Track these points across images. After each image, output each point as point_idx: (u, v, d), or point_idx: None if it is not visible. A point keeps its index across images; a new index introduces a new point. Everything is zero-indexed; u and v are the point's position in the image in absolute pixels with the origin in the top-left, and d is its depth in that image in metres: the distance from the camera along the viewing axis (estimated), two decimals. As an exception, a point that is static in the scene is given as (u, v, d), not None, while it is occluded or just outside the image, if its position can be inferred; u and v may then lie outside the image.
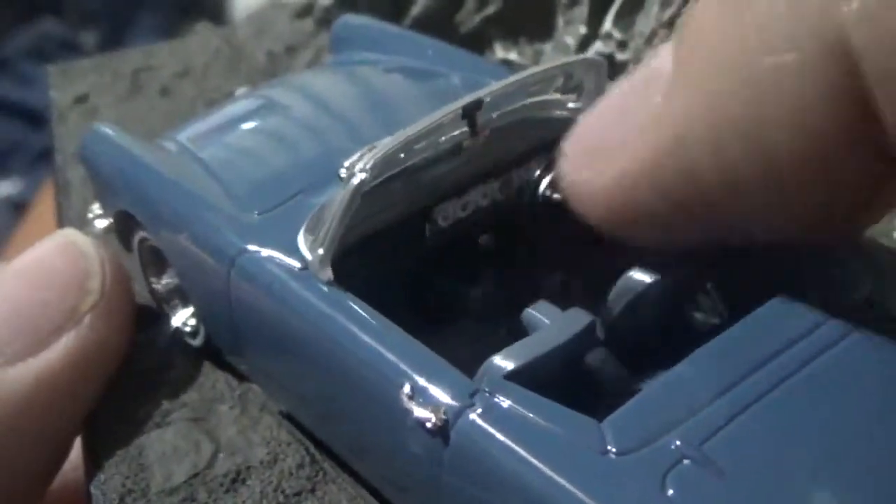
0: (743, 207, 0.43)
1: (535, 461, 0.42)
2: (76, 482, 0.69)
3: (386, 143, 0.52)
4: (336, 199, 0.52)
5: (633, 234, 0.49)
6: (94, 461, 0.62)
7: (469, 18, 0.99)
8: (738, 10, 0.40)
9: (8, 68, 2.07)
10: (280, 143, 0.67)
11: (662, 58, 0.44)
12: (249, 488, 0.59)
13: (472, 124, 0.57)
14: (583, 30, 0.92)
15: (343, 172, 0.53)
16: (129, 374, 0.67)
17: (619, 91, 0.48)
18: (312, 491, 0.58)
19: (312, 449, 0.61)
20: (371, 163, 0.51)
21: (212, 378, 0.67)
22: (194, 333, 0.68)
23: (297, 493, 0.58)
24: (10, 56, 2.10)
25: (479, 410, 0.45)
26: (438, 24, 0.98)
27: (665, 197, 0.44)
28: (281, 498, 0.58)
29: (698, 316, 0.58)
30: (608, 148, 0.46)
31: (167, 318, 0.70)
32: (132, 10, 2.16)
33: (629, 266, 0.52)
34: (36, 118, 1.15)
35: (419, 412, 0.46)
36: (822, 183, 0.41)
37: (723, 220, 0.45)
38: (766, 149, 0.40)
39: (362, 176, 0.51)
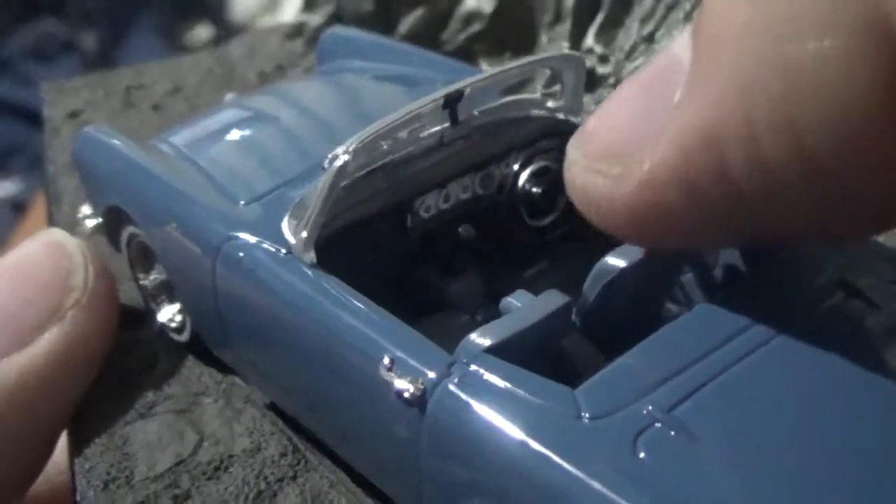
0: (780, 205, 0.40)
1: (509, 427, 0.43)
2: (62, 486, 0.69)
3: (369, 129, 0.54)
4: (319, 184, 0.53)
5: (657, 241, 0.47)
6: (78, 451, 0.63)
7: (455, 36, 1.02)
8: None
9: (8, 68, 2.09)
10: (266, 142, 0.69)
11: (677, 50, 0.42)
12: (232, 475, 0.59)
13: (454, 115, 0.59)
14: (566, 46, 0.94)
15: (326, 163, 0.54)
16: (115, 369, 0.68)
17: (630, 89, 0.44)
18: (294, 478, 0.59)
19: (295, 439, 0.61)
20: (353, 146, 0.53)
21: (196, 372, 0.68)
22: (180, 329, 0.69)
23: (279, 480, 0.59)
24: (10, 56, 2.12)
25: (456, 380, 0.46)
26: (425, 42, 1.00)
27: (695, 200, 0.41)
28: (263, 485, 0.59)
29: (672, 306, 0.59)
30: (627, 152, 0.42)
31: (153, 315, 0.71)
32: (132, 10, 2.18)
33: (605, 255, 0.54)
34: (36, 118, 1.16)
35: (398, 383, 0.47)
36: (866, 175, 0.38)
37: (757, 220, 0.42)
38: (805, 140, 0.37)
39: (345, 157, 0.52)
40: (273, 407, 0.64)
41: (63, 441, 0.68)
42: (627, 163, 0.42)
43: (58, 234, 0.69)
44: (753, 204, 0.40)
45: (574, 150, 0.46)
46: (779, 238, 0.45)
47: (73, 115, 1.05)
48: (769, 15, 0.37)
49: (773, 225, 0.42)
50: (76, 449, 0.63)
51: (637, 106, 0.43)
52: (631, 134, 0.43)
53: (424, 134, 0.60)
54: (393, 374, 0.47)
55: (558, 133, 0.64)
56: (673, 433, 0.42)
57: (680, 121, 0.40)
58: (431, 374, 0.46)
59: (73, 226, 0.82)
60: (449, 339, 0.49)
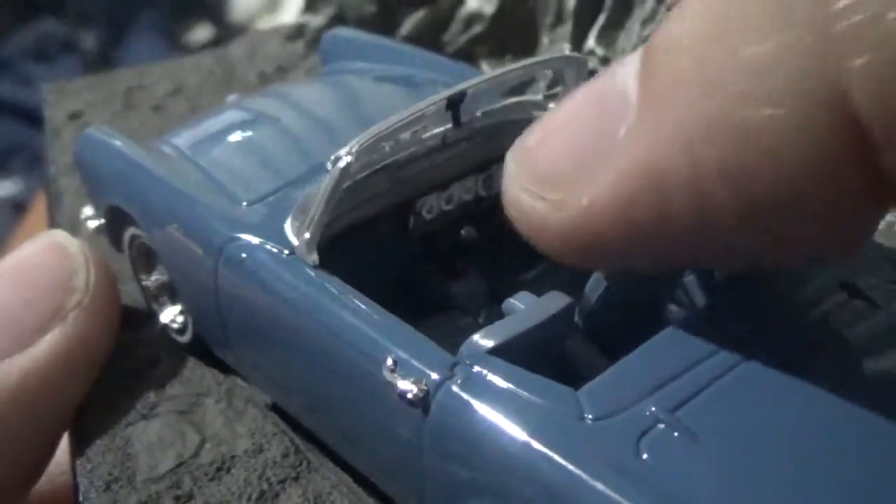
0: (720, 243, 0.41)
1: (512, 428, 0.43)
2: (64, 486, 0.69)
3: (371, 131, 0.54)
4: (322, 185, 0.54)
5: (591, 266, 0.47)
6: (80, 451, 0.63)
7: (456, 38, 1.02)
8: (723, 54, 0.36)
9: (8, 68, 2.09)
10: (268, 143, 0.69)
11: (623, 79, 0.41)
12: (234, 477, 0.60)
13: (456, 116, 0.59)
14: (567, 47, 0.94)
15: (329, 164, 0.54)
16: (117, 370, 0.68)
17: (572, 110, 0.44)
18: (296, 479, 0.59)
19: (297, 440, 0.62)
20: (356, 147, 0.53)
21: (198, 373, 0.68)
22: (182, 330, 0.69)
23: (281, 481, 0.59)
24: (10, 56, 2.12)
25: (459, 381, 0.46)
26: (426, 44, 1.00)
27: (634, 236, 0.41)
28: (265, 486, 0.59)
29: (674, 307, 0.59)
30: (566, 179, 0.42)
31: (156, 316, 0.71)
32: (132, 10, 2.18)
33: None
34: (36, 118, 1.16)
35: (401, 384, 0.46)
36: (808, 223, 0.38)
37: (695, 255, 0.43)
38: (750, 194, 0.37)
39: (348, 159, 0.52)
40: (275, 408, 0.64)
41: (65, 441, 0.68)
42: (566, 191, 0.42)
43: (59, 236, 0.70)
44: (693, 241, 0.40)
45: (513, 165, 0.45)
46: (716, 267, 0.46)
47: (74, 116, 1.05)
48: (725, 75, 0.36)
49: (711, 259, 0.44)
50: (78, 449, 0.63)
51: (579, 131, 0.43)
52: (571, 161, 0.42)
53: (427, 135, 0.60)
54: (396, 375, 0.47)
55: None
56: (676, 434, 0.42)
57: (623, 159, 0.40)
58: (434, 376, 0.46)
59: (74, 227, 0.82)
60: (452, 340, 0.49)
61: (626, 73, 0.41)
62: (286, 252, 0.55)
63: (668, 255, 0.43)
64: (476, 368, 0.46)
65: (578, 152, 0.42)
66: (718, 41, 0.36)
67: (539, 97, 0.65)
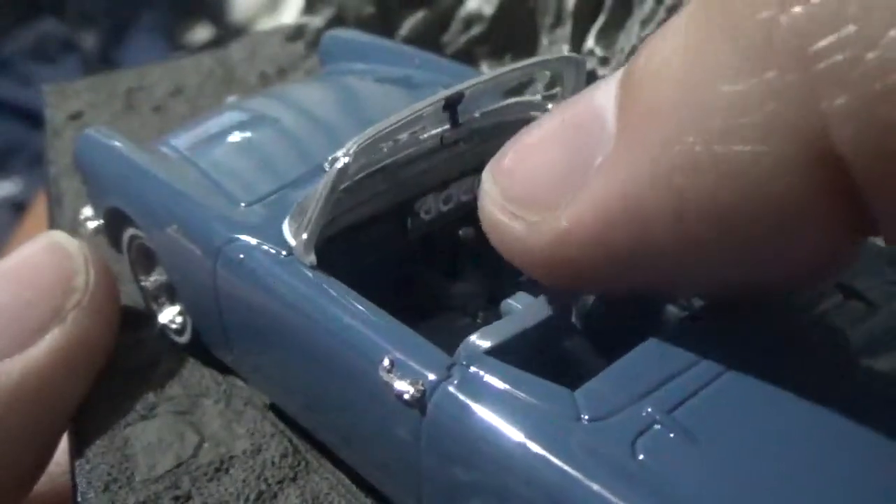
0: (695, 271, 0.41)
1: (509, 428, 0.43)
2: (65, 486, 0.69)
3: (369, 132, 0.54)
4: (320, 186, 0.54)
5: (569, 287, 0.48)
6: (79, 452, 0.63)
7: (455, 39, 1.02)
8: (702, 89, 0.36)
9: (8, 68, 2.09)
10: (267, 144, 0.69)
11: (601, 104, 0.41)
12: (232, 477, 0.60)
13: (454, 117, 0.59)
14: (566, 48, 0.94)
15: (327, 165, 0.54)
16: (116, 370, 0.68)
17: (551, 129, 0.44)
18: (294, 479, 0.59)
19: (295, 440, 0.62)
20: (354, 148, 0.53)
21: (197, 374, 0.68)
22: (181, 331, 0.69)
23: (280, 482, 0.59)
24: (10, 56, 2.12)
25: (456, 382, 0.46)
26: (426, 45, 1.00)
27: (612, 261, 0.41)
28: (263, 486, 0.59)
29: (671, 307, 0.59)
30: (544, 202, 0.42)
31: (155, 316, 0.71)
32: (132, 10, 2.18)
33: None
34: (36, 119, 1.17)
35: (398, 385, 0.47)
36: (787, 256, 0.39)
37: (674, 281, 0.43)
38: (729, 227, 0.37)
39: (345, 160, 0.53)
40: (273, 408, 0.64)
41: (66, 441, 0.68)
42: (544, 213, 0.42)
43: (59, 236, 0.70)
44: (670, 269, 0.41)
45: (490, 184, 0.45)
46: (692, 295, 0.47)
47: (75, 116, 1.05)
48: (703, 110, 0.36)
49: (688, 287, 0.45)
50: (77, 450, 0.63)
51: (557, 153, 0.43)
52: (549, 183, 0.42)
53: (425, 136, 0.60)
54: (393, 376, 0.47)
55: None
56: (672, 435, 0.42)
57: (601, 185, 0.40)
58: (431, 376, 0.46)
59: (74, 227, 0.82)
60: (449, 340, 0.49)
61: (604, 97, 0.41)
62: (284, 253, 0.56)
63: (645, 282, 0.43)
64: (473, 369, 0.46)
65: (556, 175, 0.42)
66: (698, 76, 0.36)
67: (537, 98, 0.65)
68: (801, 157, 0.34)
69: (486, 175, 0.46)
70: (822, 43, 0.32)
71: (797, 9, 0.33)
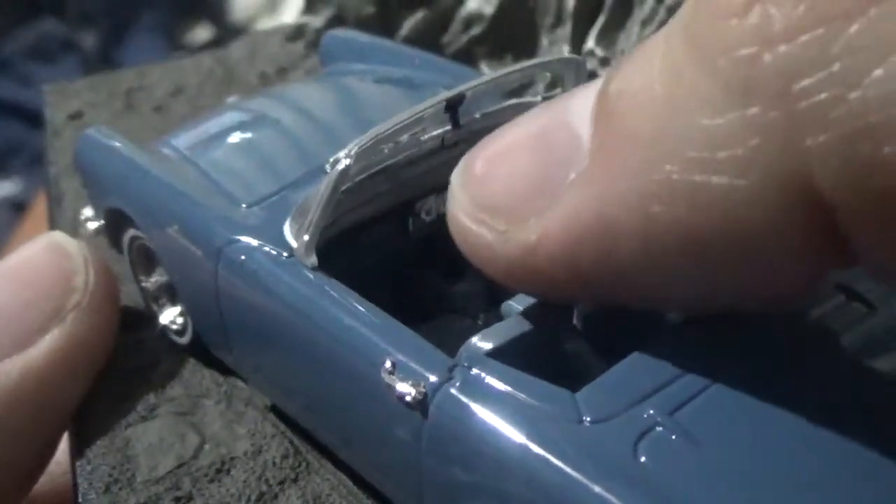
0: (667, 290, 0.41)
1: (510, 431, 0.43)
2: (65, 487, 0.69)
3: (370, 133, 0.54)
4: (321, 187, 0.54)
5: (537, 296, 0.48)
6: (80, 453, 0.63)
7: (456, 39, 1.02)
8: (682, 120, 0.36)
9: (8, 68, 2.09)
10: (268, 145, 0.69)
11: (578, 120, 0.41)
12: (233, 478, 0.60)
13: (455, 118, 0.59)
14: (566, 49, 0.94)
15: (328, 167, 0.54)
16: (117, 371, 0.68)
17: (523, 135, 0.44)
18: (295, 481, 0.59)
19: (296, 441, 0.62)
20: (355, 150, 0.53)
21: (198, 375, 0.68)
22: (181, 332, 0.69)
23: (281, 483, 0.59)
24: (10, 56, 2.12)
25: (458, 384, 0.46)
26: (426, 45, 1.00)
27: (580, 276, 0.42)
28: (264, 487, 0.59)
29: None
30: (514, 212, 0.42)
31: (155, 317, 0.71)
32: (132, 10, 2.18)
33: None
34: (36, 118, 1.17)
35: (399, 387, 0.47)
36: (755, 285, 0.40)
37: (642, 297, 0.43)
38: (702, 253, 0.37)
39: (347, 162, 0.53)
40: (274, 409, 0.64)
41: (66, 441, 0.68)
42: (513, 224, 0.42)
43: (58, 237, 0.70)
44: (638, 285, 0.41)
45: (459, 189, 0.45)
46: (662, 310, 0.47)
47: (75, 116, 1.05)
48: (681, 141, 0.36)
49: (657, 304, 0.45)
50: (78, 451, 0.63)
51: (529, 164, 0.42)
52: (520, 194, 0.42)
53: (426, 137, 0.60)
54: (394, 378, 0.47)
55: None
56: (674, 437, 0.42)
57: (573, 202, 0.40)
58: (433, 378, 0.46)
59: (74, 228, 0.82)
60: (451, 342, 0.49)
61: (580, 111, 0.41)
62: (285, 254, 0.56)
63: (612, 297, 0.44)
64: (474, 371, 0.46)
65: (527, 186, 0.42)
66: (678, 106, 0.36)
67: (538, 99, 0.65)
68: (780, 193, 0.34)
69: (456, 179, 0.46)
70: (806, 82, 0.32)
71: (782, 48, 0.33)
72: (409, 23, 1.04)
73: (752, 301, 0.42)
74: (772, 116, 0.33)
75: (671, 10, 0.88)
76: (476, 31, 1.01)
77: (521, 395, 0.44)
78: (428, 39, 1.02)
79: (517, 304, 0.54)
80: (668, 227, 0.37)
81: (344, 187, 0.55)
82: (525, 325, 0.50)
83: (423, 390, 0.46)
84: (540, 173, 0.42)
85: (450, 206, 0.46)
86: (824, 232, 0.35)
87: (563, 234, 0.41)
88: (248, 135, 0.71)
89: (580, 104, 0.41)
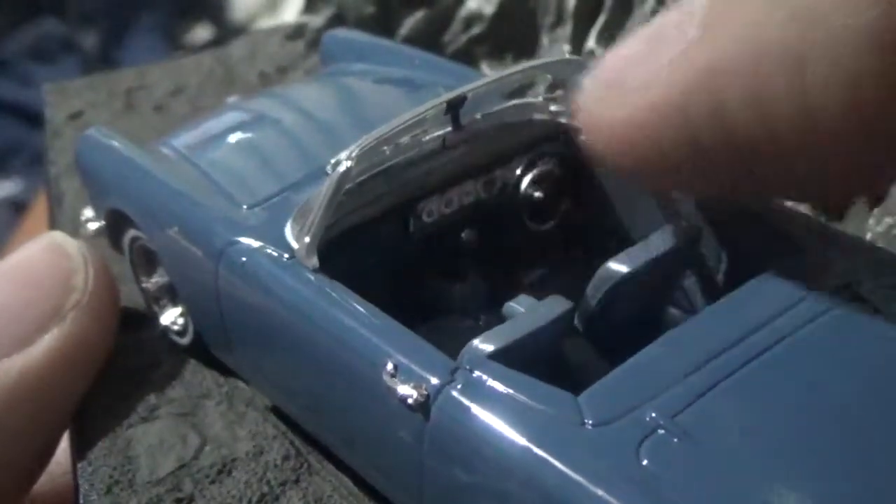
0: (772, 153, 0.42)
1: (512, 433, 0.43)
2: (66, 486, 0.69)
3: (371, 135, 0.54)
4: (322, 189, 0.54)
5: (644, 173, 0.48)
6: (81, 454, 0.63)
7: (456, 38, 1.02)
8: None
9: (8, 68, 2.08)
10: (268, 146, 0.69)
11: (694, 5, 0.43)
12: (234, 479, 0.60)
13: (456, 119, 0.59)
14: (567, 48, 0.94)
15: (329, 168, 0.54)
16: (117, 372, 0.68)
17: (648, 29, 0.46)
18: (297, 482, 0.59)
19: (297, 442, 0.62)
20: (356, 152, 0.53)
21: (199, 375, 0.68)
22: (182, 332, 0.69)
23: (282, 484, 0.59)
24: (10, 56, 2.11)
25: (460, 386, 0.46)
26: (426, 44, 1.00)
27: (691, 135, 0.43)
28: (265, 489, 0.59)
29: (674, 311, 0.59)
30: (635, 82, 0.44)
31: (156, 318, 0.71)
32: (132, 10, 2.17)
33: (607, 260, 0.54)
34: (36, 118, 1.17)
35: (401, 389, 0.47)
36: (859, 132, 0.40)
37: (746, 165, 0.43)
38: (807, 84, 0.38)
39: (348, 164, 0.53)
40: (275, 410, 0.64)
41: (66, 441, 0.68)
42: (633, 91, 0.44)
43: (58, 237, 0.70)
44: (747, 149, 0.42)
45: (587, 80, 0.48)
46: (764, 191, 0.47)
47: (75, 116, 1.05)
48: None
49: (766, 176, 0.44)
50: (79, 452, 0.63)
51: (652, 41, 0.45)
52: (642, 66, 0.44)
53: (427, 138, 0.60)
54: (396, 380, 0.47)
55: (560, 137, 0.64)
56: (676, 440, 0.42)
57: (688, 56, 0.42)
58: (434, 380, 0.46)
59: (75, 227, 0.82)
60: (452, 343, 0.49)
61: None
62: (286, 256, 0.56)
63: (707, 167, 0.44)
64: (476, 373, 0.46)
65: (652, 56, 0.44)
66: None
67: (539, 99, 0.65)
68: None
69: (583, 78, 0.48)
70: None
71: None
72: (409, 22, 1.04)
73: (847, 170, 0.42)
74: None
75: (671, 10, 0.88)
76: (476, 30, 1.01)
77: (523, 398, 0.44)
78: (428, 39, 1.01)
79: (518, 305, 0.54)
80: (775, 55, 0.38)
81: (345, 189, 0.55)
82: (527, 327, 0.50)
83: (425, 392, 0.46)
84: (661, 42, 0.44)
85: (577, 103, 0.48)
86: None
87: (674, 93, 0.42)
88: (249, 135, 0.71)
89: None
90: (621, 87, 0.45)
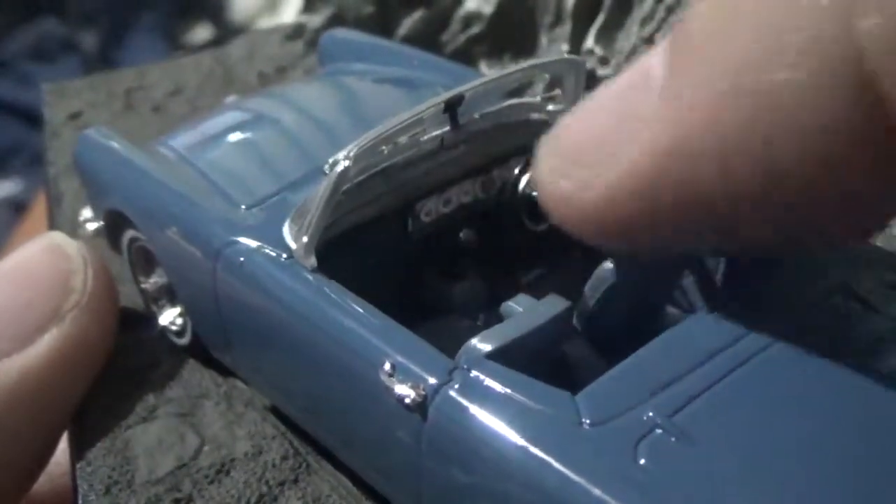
0: (746, 217, 0.41)
1: (510, 433, 0.43)
2: (65, 487, 0.69)
3: (369, 134, 0.54)
4: (320, 189, 0.54)
5: (618, 244, 0.47)
6: (80, 454, 0.63)
7: (455, 38, 1.02)
8: (742, 24, 0.38)
9: (8, 68, 2.08)
10: (267, 146, 0.69)
11: (653, 63, 0.42)
12: (233, 479, 0.60)
13: (454, 119, 0.59)
14: (566, 47, 0.94)
15: (327, 168, 0.54)
16: (116, 372, 0.68)
17: (603, 96, 0.45)
18: (295, 482, 0.59)
19: (296, 442, 0.62)
20: (354, 151, 0.53)
21: (197, 375, 0.68)
22: (181, 332, 0.69)
23: (281, 484, 0.59)
24: (10, 56, 2.11)
25: (457, 386, 0.46)
26: (424, 44, 1.00)
27: (663, 208, 0.42)
28: (264, 489, 0.59)
29: (673, 310, 0.59)
30: (596, 158, 0.43)
31: (155, 318, 0.71)
32: (132, 10, 2.17)
33: (605, 260, 0.54)
34: (36, 119, 1.17)
35: (399, 389, 0.47)
36: (829, 192, 0.39)
37: (722, 229, 0.43)
38: (773, 157, 0.38)
39: (346, 163, 0.53)
40: (274, 410, 0.64)
41: (65, 441, 0.68)
42: (595, 168, 0.43)
43: (57, 237, 0.70)
44: (723, 215, 0.41)
45: (544, 149, 0.47)
46: (743, 248, 0.46)
47: (74, 116, 1.05)
48: (746, 43, 0.38)
49: (741, 237, 0.43)
50: (78, 452, 0.63)
51: (610, 114, 0.44)
52: (601, 140, 0.43)
53: (425, 138, 0.60)
54: (394, 380, 0.47)
55: None
56: (673, 439, 0.42)
57: (651, 133, 0.41)
58: (432, 380, 0.46)
59: (74, 228, 0.82)
60: (450, 343, 0.49)
61: (654, 55, 0.42)
62: (284, 256, 0.56)
63: (690, 233, 0.43)
64: (474, 373, 0.46)
65: (608, 132, 0.43)
66: (738, 11, 0.38)
67: (537, 99, 0.65)
68: (838, 80, 0.35)
69: (542, 141, 0.47)
70: None
71: None
72: (408, 22, 1.04)
73: (825, 224, 0.42)
74: (825, 3, 0.35)
75: (670, 9, 0.88)
76: (475, 30, 1.01)
77: (521, 398, 0.44)
78: (427, 39, 1.01)
79: (516, 304, 0.54)
80: (738, 135, 0.38)
81: (343, 189, 0.55)
82: (525, 327, 0.50)
83: (423, 392, 0.46)
84: (619, 118, 0.43)
85: (534, 166, 0.47)
86: (883, 123, 0.35)
87: (642, 168, 0.41)
88: (247, 135, 0.71)
89: (654, 52, 0.42)
90: (583, 164, 0.44)
